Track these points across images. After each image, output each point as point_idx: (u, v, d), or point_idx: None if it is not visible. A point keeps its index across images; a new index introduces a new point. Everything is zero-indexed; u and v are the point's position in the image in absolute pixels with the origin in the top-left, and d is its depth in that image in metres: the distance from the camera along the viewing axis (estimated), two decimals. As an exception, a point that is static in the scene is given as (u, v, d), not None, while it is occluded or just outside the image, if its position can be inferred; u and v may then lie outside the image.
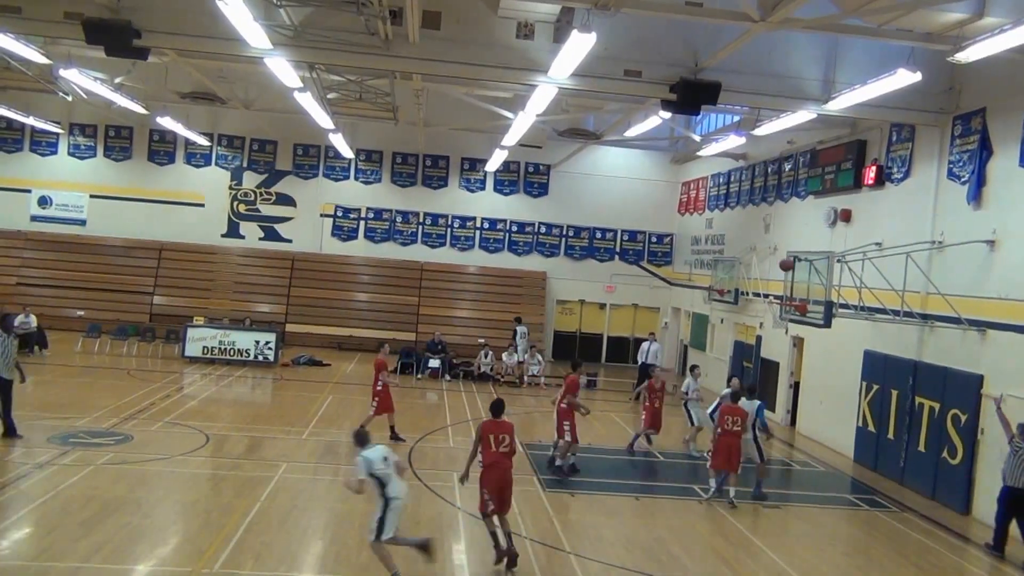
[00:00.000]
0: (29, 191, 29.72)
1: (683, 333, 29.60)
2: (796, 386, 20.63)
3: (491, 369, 24.81)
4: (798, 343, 20.49)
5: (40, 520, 10.57)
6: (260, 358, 23.92)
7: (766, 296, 21.41)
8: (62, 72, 18.52)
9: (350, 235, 30.80)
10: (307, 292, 29.66)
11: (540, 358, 25.67)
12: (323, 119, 21.33)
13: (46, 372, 20.85)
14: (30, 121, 27.56)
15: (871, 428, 16.76)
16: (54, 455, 13.21)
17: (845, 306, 16.27)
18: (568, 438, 14.50)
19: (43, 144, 29.91)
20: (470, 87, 18.96)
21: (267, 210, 30.56)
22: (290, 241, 30.55)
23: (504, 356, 25.13)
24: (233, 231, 30.44)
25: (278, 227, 30.61)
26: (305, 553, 10.24)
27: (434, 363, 24.68)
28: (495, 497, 9.95)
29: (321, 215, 30.66)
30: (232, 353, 23.85)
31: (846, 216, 18.64)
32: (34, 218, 29.74)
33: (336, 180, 30.79)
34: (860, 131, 18.38)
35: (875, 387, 16.74)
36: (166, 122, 25.37)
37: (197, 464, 13.67)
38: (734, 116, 21.41)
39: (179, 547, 10.08)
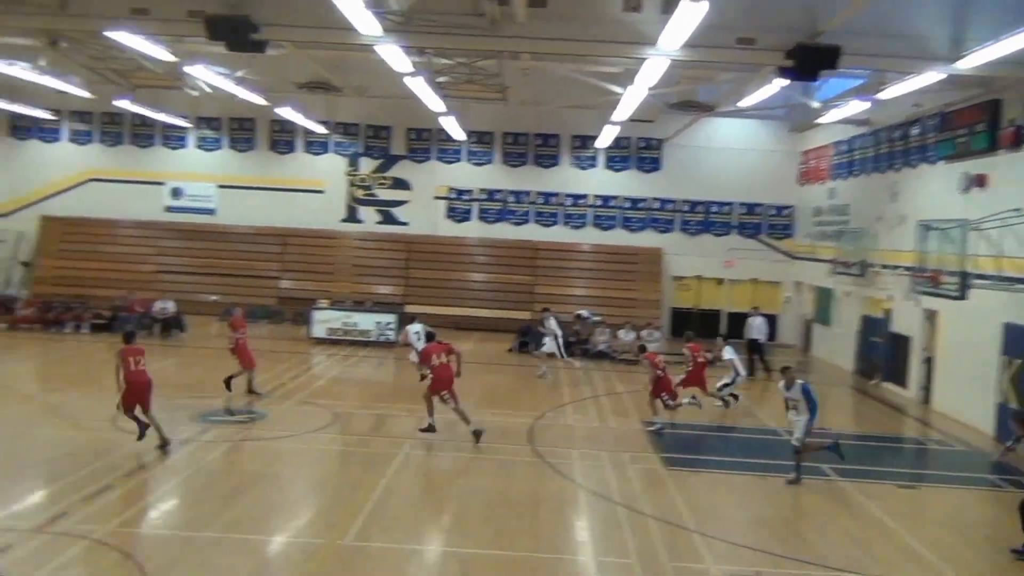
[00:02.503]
0: (163, 183, 31.38)
1: (807, 308, 28.65)
2: (929, 361, 19.64)
3: (608, 347, 24.69)
4: (932, 316, 19.48)
5: (185, 493, 11.24)
6: (382, 339, 24.59)
7: (896, 268, 20.43)
8: (188, 69, 19.43)
9: (464, 216, 31.19)
10: (424, 274, 30.25)
11: (658, 334, 25.36)
12: (435, 103, 21.61)
13: (184, 354, 22.07)
14: (161, 117, 29.03)
15: (1013, 405, 15.78)
16: (196, 432, 13.98)
17: (982, 276, 15.33)
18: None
19: (173, 138, 31.49)
20: (578, 64, 18.81)
21: (383, 194, 31.27)
22: (406, 224, 31.18)
23: (620, 333, 24.94)
24: (352, 216, 31.31)
25: (394, 211, 31.27)
26: (432, 527, 10.51)
27: (549, 342, 24.66)
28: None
29: (435, 197, 31.13)
30: (355, 334, 24.63)
31: (982, 181, 17.50)
32: (168, 209, 31.38)
33: (449, 163, 31.18)
34: (994, 90, 17.19)
35: (1017, 361, 15.74)
36: (286, 112, 26.27)
37: (326, 441, 14.20)
38: (855, 81, 20.43)
39: (312, 520, 10.52)
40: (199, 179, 31.32)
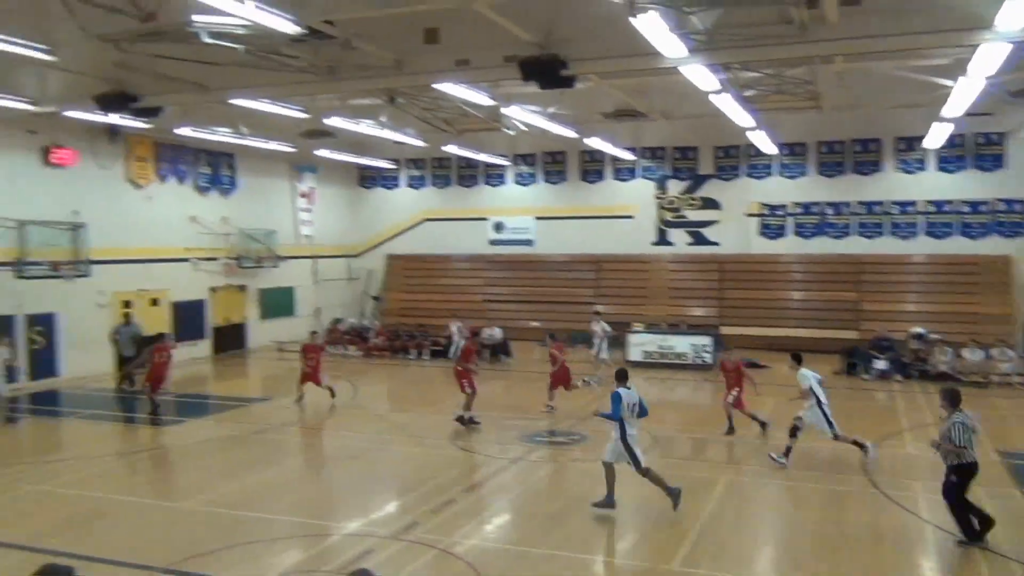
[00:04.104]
0: (486, 219, 33.84)
1: None
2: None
3: (951, 368, 22.26)
4: None
5: (516, 509, 11.88)
6: (698, 361, 24.30)
7: None
8: (505, 110, 20.78)
9: (778, 233, 29.98)
10: (739, 294, 29.49)
11: (1012, 353, 22.42)
12: (743, 118, 21.07)
13: (511, 377, 23.43)
14: (482, 157, 31.39)
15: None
16: (523, 452, 14.77)
17: None
18: None
19: (494, 176, 33.87)
20: (900, 60, 17.30)
21: (693, 215, 31.02)
22: (718, 244, 30.65)
23: (965, 352, 22.40)
24: (662, 239, 31.43)
25: (704, 231, 30.89)
26: (760, 557, 10.12)
27: (880, 364, 22.88)
28: None
29: (747, 215, 30.29)
30: (671, 357, 24.58)
31: None
32: (492, 242, 33.76)
33: (759, 178, 30.21)
34: None
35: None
36: (594, 142, 27.10)
37: (649, 464, 14.23)
38: None
39: (638, 543, 10.60)
40: (518, 213, 33.33)
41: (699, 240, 30.91)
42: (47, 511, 11.65)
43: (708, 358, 24.26)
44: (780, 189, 29.88)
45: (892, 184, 28.51)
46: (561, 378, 18.15)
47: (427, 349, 27.19)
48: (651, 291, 30.61)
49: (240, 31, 12.59)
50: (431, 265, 34.00)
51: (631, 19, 11.37)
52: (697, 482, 12.90)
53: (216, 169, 28.29)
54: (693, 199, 31.04)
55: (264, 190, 30.60)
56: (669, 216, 31.39)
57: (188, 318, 26.71)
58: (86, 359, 22.16)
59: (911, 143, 27.93)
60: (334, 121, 21.25)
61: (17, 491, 12.57)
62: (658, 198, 31.47)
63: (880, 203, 28.65)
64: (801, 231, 29.65)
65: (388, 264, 34.95)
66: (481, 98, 18.10)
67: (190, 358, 26.62)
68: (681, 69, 15.27)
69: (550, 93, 19.09)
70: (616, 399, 11.38)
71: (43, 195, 21.94)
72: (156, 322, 25.49)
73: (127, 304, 24.42)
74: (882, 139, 28.47)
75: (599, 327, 22.61)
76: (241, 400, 19.65)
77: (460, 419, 16.59)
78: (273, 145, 26.06)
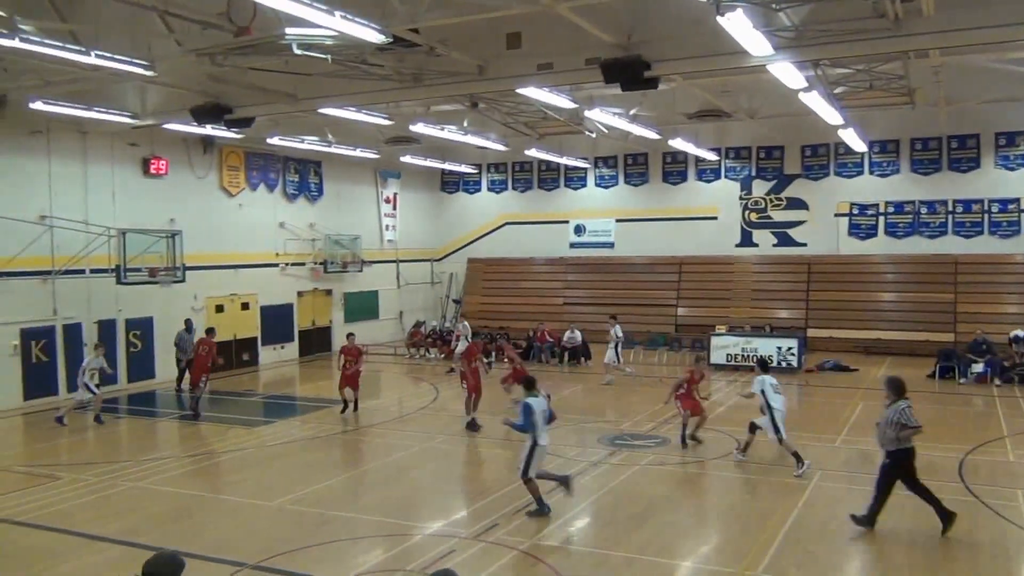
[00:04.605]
0: (567, 222, 33.85)
1: None
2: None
3: (1055, 372, 21.23)
4: None
5: (597, 512, 11.84)
6: (783, 364, 23.74)
7: None
8: (587, 113, 20.75)
9: (869, 232, 29.08)
10: (826, 295, 28.74)
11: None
12: (831, 116, 20.53)
13: (590, 380, 23.34)
14: (563, 161, 31.41)
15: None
16: (604, 455, 14.71)
17: None
18: None
19: (574, 179, 33.84)
20: (1001, 51, 16.58)
21: (778, 216, 30.39)
22: (804, 245, 29.93)
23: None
24: (746, 240, 30.87)
25: (791, 232, 30.21)
26: (849, 566, 9.85)
27: (978, 367, 21.96)
28: None
29: (835, 215, 29.48)
30: (754, 359, 24.04)
31: None
32: (572, 245, 33.74)
33: (849, 177, 29.37)
34: None
35: None
36: (677, 143, 26.79)
37: (729, 468, 14.04)
38: None
39: (720, 548, 10.44)
40: (598, 215, 33.23)
41: (785, 241, 30.24)
42: (142, 507, 12.16)
43: (794, 361, 23.71)
44: (870, 188, 28.99)
45: (992, 181, 27.34)
46: (518, 376, 17.84)
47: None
48: (734, 293, 30.09)
49: (328, 42, 12.92)
50: (511, 268, 34.19)
51: (717, 18, 11.22)
52: (782, 487, 12.64)
53: (303, 176, 29.07)
54: (779, 199, 30.38)
55: (349, 196, 31.29)
56: (754, 217, 30.80)
57: (276, 321, 27.50)
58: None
59: (1013, 138, 26.84)
60: (418, 127, 21.60)
61: (114, 488, 13.16)
62: (742, 199, 30.92)
63: (979, 201, 27.51)
64: (893, 230, 28.70)
65: (469, 267, 35.30)
66: (562, 101, 18.11)
67: (278, 360, 27.42)
68: (768, 67, 14.99)
69: (632, 95, 19.03)
70: (527, 410, 11.18)
71: (142, 204, 22.94)
72: (246, 325, 26.37)
73: (219, 309, 25.32)
74: (980, 134, 27.33)
75: (613, 331, 22.62)
76: (326, 402, 20.10)
77: (469, 424, 16.86)
78: (358, 152, 26.66)
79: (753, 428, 14.09)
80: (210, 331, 20.32)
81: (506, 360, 19.02)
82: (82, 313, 21.40)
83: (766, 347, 24.12)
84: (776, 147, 30.20)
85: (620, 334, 22.60)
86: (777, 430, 13.63)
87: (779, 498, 12.07)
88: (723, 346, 24.79)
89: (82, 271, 21.19)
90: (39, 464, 14.76)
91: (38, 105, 17.26)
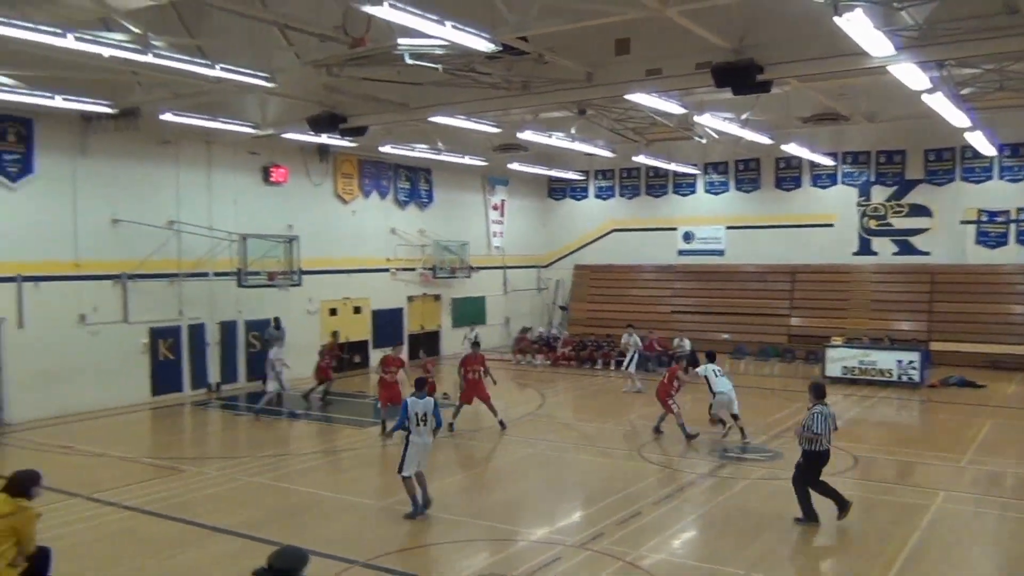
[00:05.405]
0: (675, 229, 33.36)
1: None
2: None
3: None
4: None
5: (705, 526, 11.59)
6: (904, 378, 22.70)
7: None
8: (697, 118, 20.39)
9: (999, 241, 27.49)
10: (952, 307, 27.31)
11: None
12: (958, 118, 19.52)
13: (699, 390, 22.80)
14: (672, 167, 30.98)
15: None
16: (713, 467, 14.39)
17: None
18: None
19: (683, 186, 33.32)
20: None
21: (899, 223, 29.09)
22: (927, 253, 28.56)
23: None
24: (864, 248, 29.68)
25: (912, 240, 28.87)
26: (975, 594, 9.31)
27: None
28: None
29: (962, 222, 28.00)
30: (873, 373, 23.12)
31: None
32: (680, 252, 33.22)
33: (977, 182, 27.85)
34: None
35: None
36: (791, 148, 26.03)
37: (847, 486, 13.42)
38: None
39: (838, 569, 10.06)
40: (708, 222, 32.61)
41: (906, 249, 28.92)
42: (260, 502, 12.63)
43: (916, 376, 22.61)
44: (1000, 194, 27.41)
45: None
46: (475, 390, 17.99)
47: (613, 359, 27.09)
48: (851, 303, 28.95)
49: (439, 51, 13.16)
50: (618, 275, 33.93)
51: (835, 19, 10.84)
52: (904, 507, 12.07)
53: (414, 183, 29.67)
54: (900, 206, 29.09)
55: (458, 203, 31.74)
56: (873, 224, 29.59)
57: (387, 325, 28.13)
58: (296, 363, 23.80)
59: None
60: (526, 135, 21.72)
61: (235, 482, 13.72)
62: (861, 205, 29.75)
63: (1121, 207, 25.65)
64: (1025, 239, 27.08)
65: (576, 274, 35.23)
66: (671, 107, 17.87)
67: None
68: (889, 68, 14.40)
69: (744, 99, 18.59)
70: (403, 408, 11.83)
71: (262, 211, 23.92)
72: (359, 329, 27.07)
73: (332, 312, 26.11)
74: (1125, 136, 25.51)
75: (631, 340, 22.77)
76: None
77: (450, 426, 16.97)
78: (467, 159, 27.02)
79: (719, 421, 16.23)
80: (334, 335, 21.78)
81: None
82: (205, 314, 22.47)
83: (885, 360, 23.12)
84: (897, 151, 28.94)
85: (639, 343, 22.36)
86: (711, 409, 16.22)
87: (899, 519, 11.52)
88: (839, 358, 23.85)
89: (206, 274, 22.29)
90: (164, 457, 15.54)
91: (168, 117, 18.22)
